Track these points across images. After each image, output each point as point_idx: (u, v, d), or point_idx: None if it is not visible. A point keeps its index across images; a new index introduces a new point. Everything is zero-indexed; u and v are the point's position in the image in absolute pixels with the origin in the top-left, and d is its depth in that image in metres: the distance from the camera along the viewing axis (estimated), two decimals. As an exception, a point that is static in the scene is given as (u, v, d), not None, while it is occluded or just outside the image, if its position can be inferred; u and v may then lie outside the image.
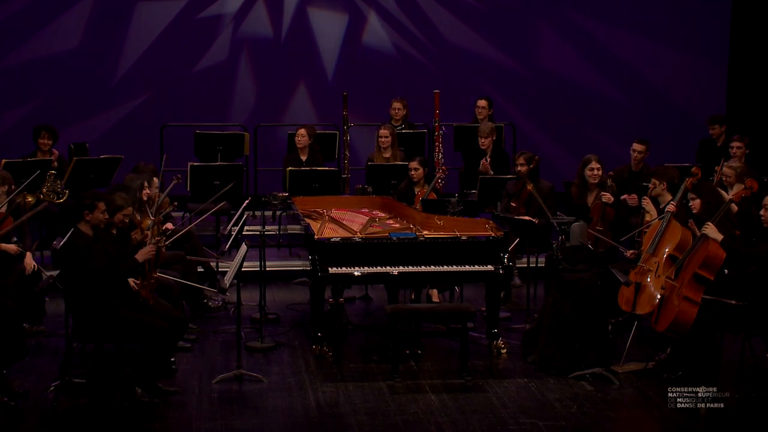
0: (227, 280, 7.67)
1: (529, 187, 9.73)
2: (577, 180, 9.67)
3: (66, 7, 13.62)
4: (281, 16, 13.99)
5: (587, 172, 9.54)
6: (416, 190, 10.20)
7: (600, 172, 9.50)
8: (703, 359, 7.51)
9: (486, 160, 11.06)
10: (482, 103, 12.16)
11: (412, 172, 10.22)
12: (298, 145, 11.50)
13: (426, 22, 14.15)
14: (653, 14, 14.27)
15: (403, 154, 11.34)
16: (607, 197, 9.32)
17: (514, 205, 9.99)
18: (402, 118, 12.05)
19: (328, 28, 14.08)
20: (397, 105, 12.02)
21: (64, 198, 10.47)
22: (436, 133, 11.77)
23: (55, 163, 10.68)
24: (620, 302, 8.01)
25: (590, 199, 9.54)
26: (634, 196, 9.55)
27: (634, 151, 10.75)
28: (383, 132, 11.28)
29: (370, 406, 7.37)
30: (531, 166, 9.94)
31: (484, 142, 11.20)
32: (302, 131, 11.52)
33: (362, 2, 14.09)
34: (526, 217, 9.70)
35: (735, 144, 10.67)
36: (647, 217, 8.77)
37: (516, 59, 14.27)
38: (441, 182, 10.80)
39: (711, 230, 7.60)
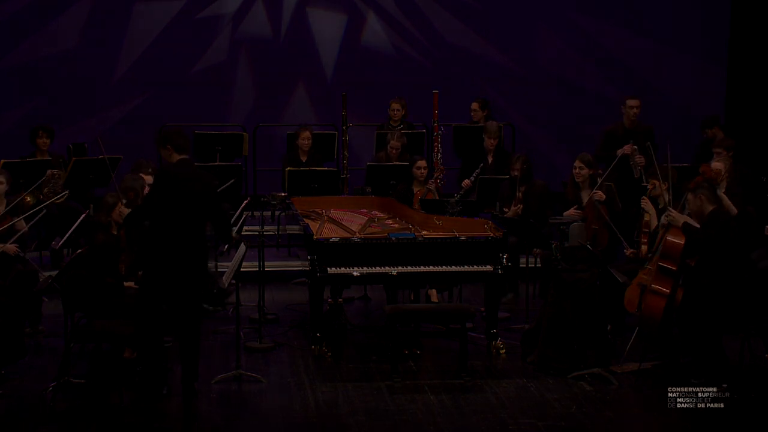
0: (226, 281, 7.66)
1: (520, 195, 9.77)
2: (570, 179, 9.70)
3: (65, 7, 13.61)
4: (280, 16, 13.98)
5: (573, 172, 9.58)
6: (415, 190, 10.18)
7: (584, 171, 9.48)
8: (713, 360, 7.49)
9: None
10: (474, 105, 12.14)
11: (422, 170, 10.17)
12: (303, 148, 11.45)
13: (425, 22, 14.14)
14: (652, 15, 14.26)
15: (406, 154, 11.31)
16: (599, 195, 9.31)
17: (506, 210, 9.95)
18: (401, 119, 12.02)
19: (327, 28, 14.07)
20: (395, 105, 11.99)
21: (63, 198, 10.45)
22: (435, 134, 11.74)
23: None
24: (625, 303, 8.03)
25: (584, 197, 9.53)
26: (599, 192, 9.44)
27: (632, 107, 10.84)
28: (394, 144, 11.10)
29: (369, 406, 7.36)
30: (524, 167, 9.94)
31: (492, 143, 11.09)
32: (307, 134, 11.45)
33: (361, 2, 14.08)
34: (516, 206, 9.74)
35: (715, 150, 10.40)
36: (646, 217, 8.76)
37: (516, 59, 14.25)
38: (440, 182, 10.78)
39: (673, 215, 7.66)
